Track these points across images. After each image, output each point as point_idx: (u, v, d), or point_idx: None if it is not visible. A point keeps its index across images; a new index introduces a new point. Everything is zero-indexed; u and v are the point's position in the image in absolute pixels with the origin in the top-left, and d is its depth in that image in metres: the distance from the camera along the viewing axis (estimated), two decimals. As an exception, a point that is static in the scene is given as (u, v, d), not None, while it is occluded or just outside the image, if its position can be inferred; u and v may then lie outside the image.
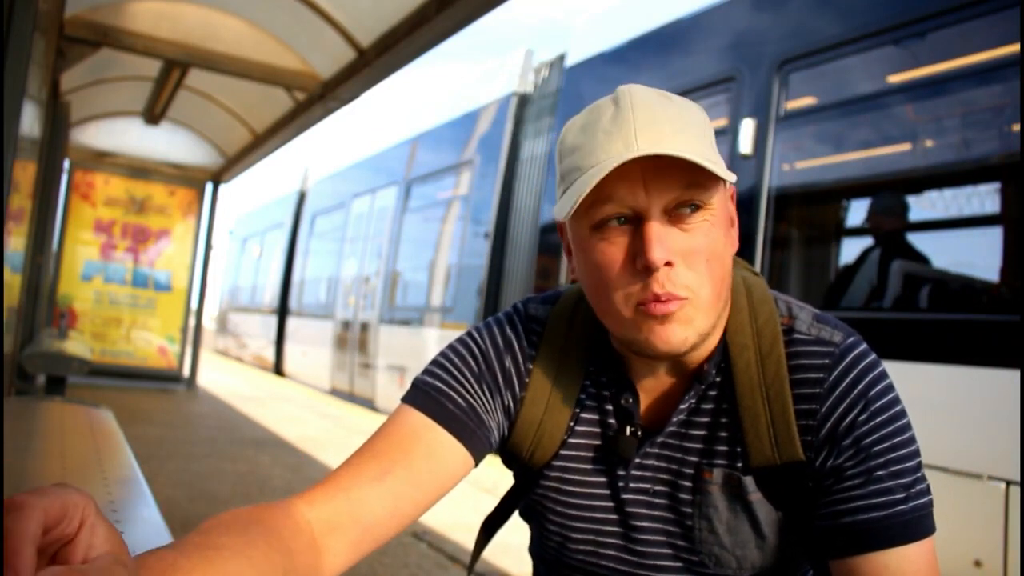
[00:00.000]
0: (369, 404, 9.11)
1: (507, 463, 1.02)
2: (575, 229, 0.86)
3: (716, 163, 0.80)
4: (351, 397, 9.71)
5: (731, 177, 0.79)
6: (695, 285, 0.81)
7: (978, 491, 2.98)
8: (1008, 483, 2.89)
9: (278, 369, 12.93)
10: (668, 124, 0.79)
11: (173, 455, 5.33)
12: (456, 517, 4.12)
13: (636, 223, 0.81)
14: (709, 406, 0.90)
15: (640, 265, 0.79)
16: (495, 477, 5.05)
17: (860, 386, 0.85)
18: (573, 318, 0.97)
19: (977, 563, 2.96)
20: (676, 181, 0.79)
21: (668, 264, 0.80)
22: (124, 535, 0.82)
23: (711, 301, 0.83)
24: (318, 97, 5.49)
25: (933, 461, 2.98)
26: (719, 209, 0.83)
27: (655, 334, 0.81)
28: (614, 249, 0.82)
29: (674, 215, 0.80)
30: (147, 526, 1.20)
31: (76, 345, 5.54)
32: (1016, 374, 2.85)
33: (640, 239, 0.79)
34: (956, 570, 2.98)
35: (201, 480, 4.66)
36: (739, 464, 0.88)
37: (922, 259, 3.57)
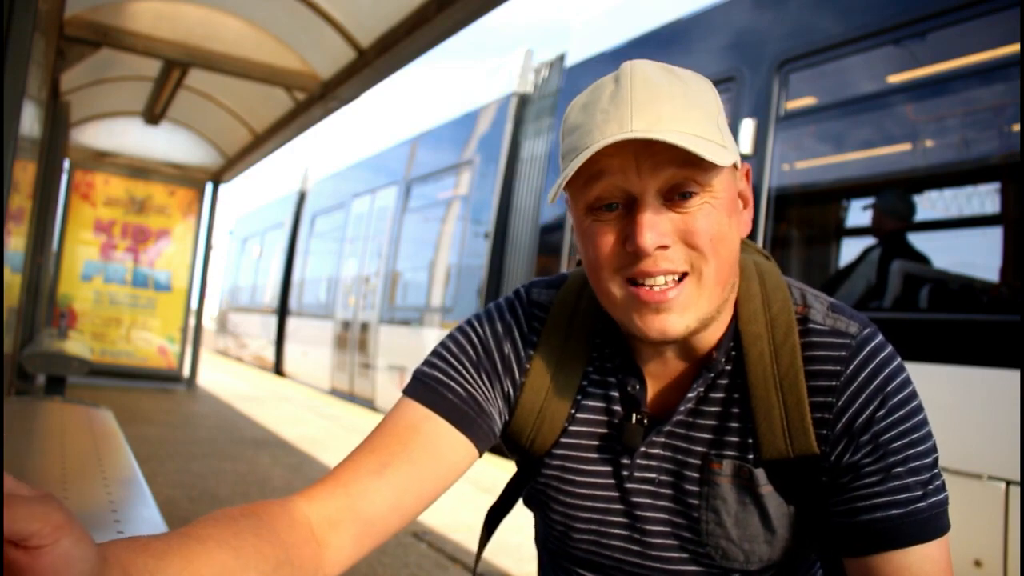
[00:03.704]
0: (369, 404, 9.11)
1: (509, 450, 1.00)
2: (573, 209, 0.85)
3: (720, 143, 0.78)
4: (351, 397, 9.71)
5: (724, 161, 0.76)
6: (698, 262, 0.79)
7: (978, 491, 2.97)
8: (1008, 483, 2.89)
9: (278, 369, 12.92)
10: (668, 103, 0.77)
11: (173, 455, 5.33)
12: (456, 517, 4.12)
13: (631, 206, 0.79)
14: (719, 395, 0.88)
15: (631, 248, 0.78)
16: (495, 477, 5.05)
17: (878, 380, 0.82)
18: (578, 302, 0.95)
19: (977, 563, 2.96)
20: (671, 162, 0.76)
21: (662, 248, 0.78)
22: (124, 535, 0.81)
23: (715, 281, 0.80)
24: (318, 97, 5.49)
25: (933, 461, 2.98)
26: (722, 190, 0.80)
27: (647, 322, 0.80)
28: (608, 232, 0.80)
29: (671, 198, 0.78)
30: (147, 526, 1.20)
31: (76, 345, 5.53)
32: (1016, 374, 2.85)
33: (632, 223, 0.78)
34: (956, 570, 2.97)
35: (201, 480, 4.66)
36: (750, 456, 0.86)
37: (922, 259, 3.56)
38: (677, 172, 0.77)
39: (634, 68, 0.80)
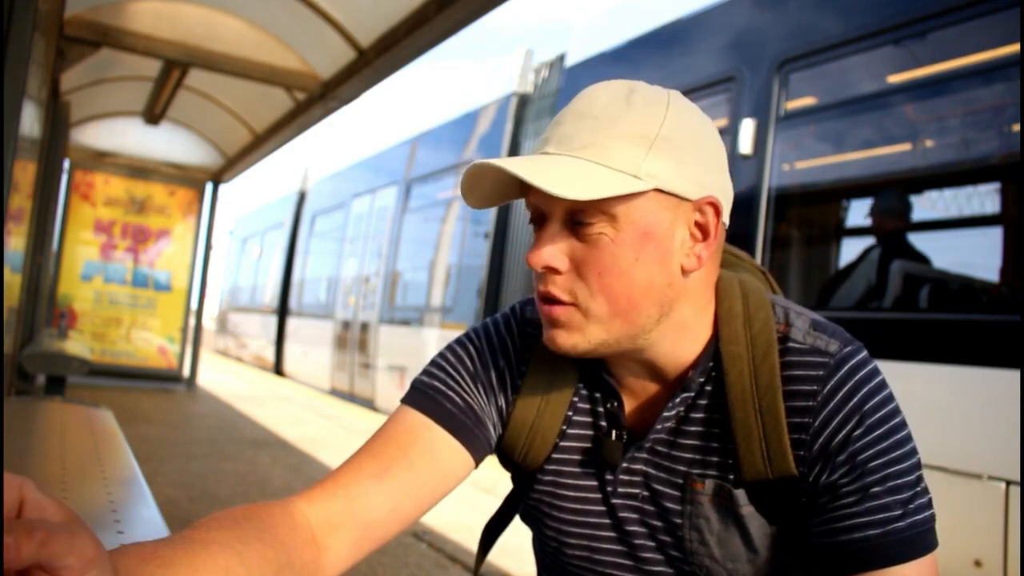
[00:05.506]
0: (369, 404, 9.11)
1: (504, 465, 1.01)
2: None
3: (632, 173, 0.76)
4: (351, 397, 9.71)
5: (592, 195, 0.74)
6: (582, 296, 0.80)
7: (978, 491, 2.98)
8: (1008, 483, 2.89)
9: (278, 369, 12.93)
10: (588, 123, 0.78)
11: (173, 455, 5.33)
12: (456, 517, 4.12)
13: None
14: (700, 415, 0.88)
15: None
16: (495, 478, 5.05)
17: (855, 399, 0.81)
18: None
19: (977, 563, 2.96)
20: None
21: (553, 270, 0.80)
22: (124, 535, 0.81)
23: (606, 316, 0.80)
24: (318, 97, 5.49)
25: (933, 461, 2.99)
26: (629, 223, 0.78)
27: (547, 334, 0.84)
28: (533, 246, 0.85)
29: (573, 223, 0.80)
30: (147, 526, 1.20)
31: (76, 345, 5.53)
32: (1016, 374, 2.85)
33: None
34: (956, 570, 2.98)
35: (201, 480, 4.66)
36: (731, 476, 0.85)
37: (922, 259, 3.57)
38: (572, 201, 0.77)
39: (591, 88, 0.82)
